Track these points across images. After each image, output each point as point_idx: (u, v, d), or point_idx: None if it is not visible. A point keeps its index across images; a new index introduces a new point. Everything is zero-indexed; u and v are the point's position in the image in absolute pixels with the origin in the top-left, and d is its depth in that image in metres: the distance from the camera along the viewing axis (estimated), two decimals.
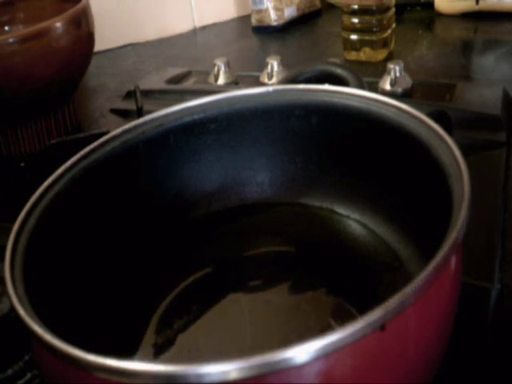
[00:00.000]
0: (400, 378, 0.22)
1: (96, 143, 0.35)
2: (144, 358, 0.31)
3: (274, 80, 0.64)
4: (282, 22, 0.87)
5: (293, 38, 0.85)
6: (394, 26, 0.73)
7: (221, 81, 0.66)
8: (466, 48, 0.75)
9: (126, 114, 0.64)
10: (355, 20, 0.71)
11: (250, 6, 0.87)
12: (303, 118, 0.39)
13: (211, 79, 0.66)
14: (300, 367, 0.19)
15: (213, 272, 0.37)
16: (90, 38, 0.61)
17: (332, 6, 0.94)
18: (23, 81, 0.53)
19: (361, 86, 0.41)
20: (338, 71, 0.43)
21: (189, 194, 0.40)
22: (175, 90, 0.65)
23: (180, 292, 0.35)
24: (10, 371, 0.33)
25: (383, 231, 0.37)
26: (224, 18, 0.95)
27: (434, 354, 0.24)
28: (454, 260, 0.24)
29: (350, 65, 0.71)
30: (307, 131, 0.39)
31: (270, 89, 0.39)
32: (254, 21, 0.88)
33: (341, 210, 0.40)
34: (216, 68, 0.66)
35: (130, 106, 0.63)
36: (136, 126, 0.37)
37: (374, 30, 0.70)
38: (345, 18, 0.72)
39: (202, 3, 0.92)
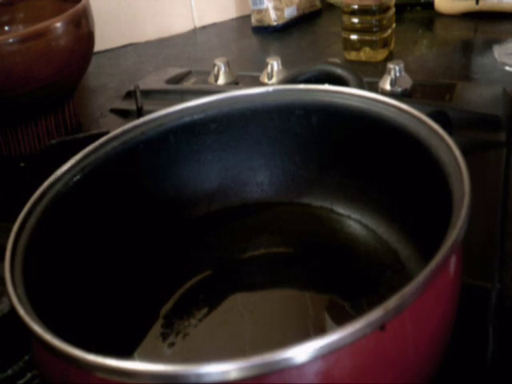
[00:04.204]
0: (400, 378, 0.22)
1: (96, 143, 0.35)
2: (144, 358, 0.31)
3: (274, 80, 0.64)
4: (281, 22, 0.87)
5: (293, 38, 0.85)
6: (393, 26, 0.73)
7: (221, 81, 0.66)
8: (466, 48, 0.75)
9: (126, 114, 0.64)
10: (355, 20, 0.71)
11: (250, 5, 0.87)
12: (303, 117, 0.39)
13: (211, 79, 0.66)
14: (300, 367, 0.19)
15: (213, 272, 0.37)
16: (90, 37, 0.61)
17: (332, 6, 0.94)
18: (23, 81, 0.53)
19: (361, 86, 0.41)
20: (338, 71, 0.43)
21: (189, 193, 0.40)
22: (175, 90, 0.65)
23: (180, 293, 0.35)
24: (9, 371, 0.33)
25: (383, 231, 0.37)
26: (224, 17, 0.95)
27: (433, 354, 0.24)
28: (454, 260, 0.24)
29: (350, 65, 0.71)
30: (307, 131, 0.39)
31: (270, 89, 0.39)
32: (254, 21, 0.88)
33: (341, 209, 0.40)
34: (216, 68, 0.66)
35: (130, 105, 0.63)
36: (136, 126, 0.37)
37: (374, 29, 0.70)
38: (345, 18, 0.72)
39: (202, 3, 0.92)
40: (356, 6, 0.70)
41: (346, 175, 0.39)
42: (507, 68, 0.64)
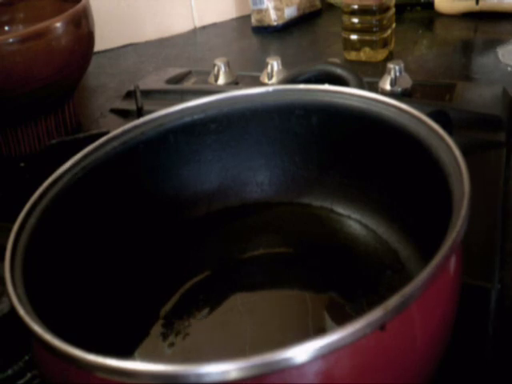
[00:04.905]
0: (400, 378, 0.22)
1: (96, 143, 0.35)
2: (144, 358, 0.31)
3: (274, 80, 0.64)
4: (282, 22, 0.87)
5: (293, 38, 0.85)
6: (393, 26, 0.73)
7: (221, 81, 0.66)
8: (466, 48, 0.75)
9: (126, 114, 0.64)
10: (355, 20, 0.71)
11: (250, 5, 0.87)
12: (303, 117, 0.39)
13: (211, 79, 0.66)
14: (300, 367, 0.19)
15: (213, 272, 0.37)
16: (90, 37, 0.61)
17: (332, 6, 0.94)
18: (23, 81, 0.53)
19: (361, 86, 0.41)
20: (338, 71, 0.43)
21: (189, 194, 0.40)
22: (175, 90, 0.65)
23: (180, 293, 0.35)
24: (9, 371, 0.33)
25: (383, 231, 0.37)
26: (224, 18, 0.95)
27: (433, 354, 0.24)
28: (453, 260, 0.24)
29: (350, 65, 0.71)
30: (307, 131, 0.39)
31: (270, 89, 0.39)
32: (254, 21, 0.88)
33: (341, 209, 0.40)
34: (216, 68, 0.66)
35: (130, 105, 0.63)
36: (136, 126, 0.37)
37: (374, 29, 0.70)
38: (345, 18, 0.72)
39: (202, 3, 0.92)
40: (356, 6, 0.70)
41: (346, 175, 0.39)
42: (511, 69, 0.64)
